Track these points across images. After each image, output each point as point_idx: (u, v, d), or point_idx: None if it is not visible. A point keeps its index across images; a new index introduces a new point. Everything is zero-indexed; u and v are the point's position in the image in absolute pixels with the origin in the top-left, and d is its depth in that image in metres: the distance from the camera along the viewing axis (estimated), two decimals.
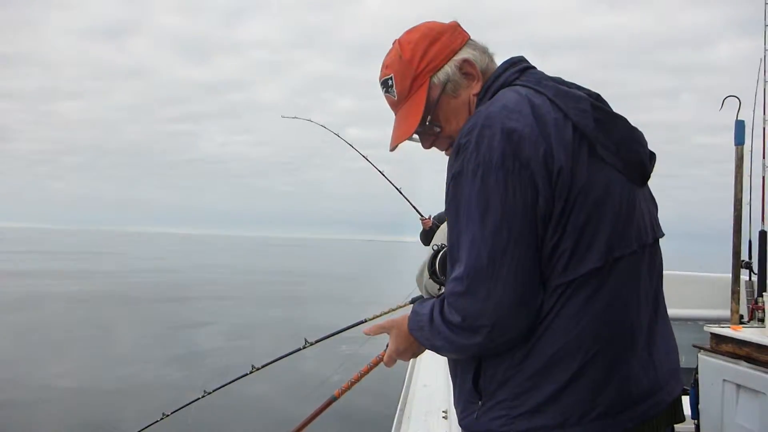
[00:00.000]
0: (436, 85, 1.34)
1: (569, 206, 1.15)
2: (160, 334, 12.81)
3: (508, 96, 1.23)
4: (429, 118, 1.35)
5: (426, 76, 1.34)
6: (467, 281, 1.15)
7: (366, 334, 1.47)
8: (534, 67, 1.34)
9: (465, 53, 1.34)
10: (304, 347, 2.98)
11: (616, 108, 1.31)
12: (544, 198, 1.14)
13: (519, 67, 1.32)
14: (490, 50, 1.40)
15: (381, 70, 1.41)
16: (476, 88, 1.34)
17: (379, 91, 1.43)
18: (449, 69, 1.33)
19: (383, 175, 3.33)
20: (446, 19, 1.41)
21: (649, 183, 1.35)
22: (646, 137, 1.33)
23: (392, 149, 1.41)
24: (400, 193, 3.35)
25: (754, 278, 3.08)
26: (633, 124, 1.31)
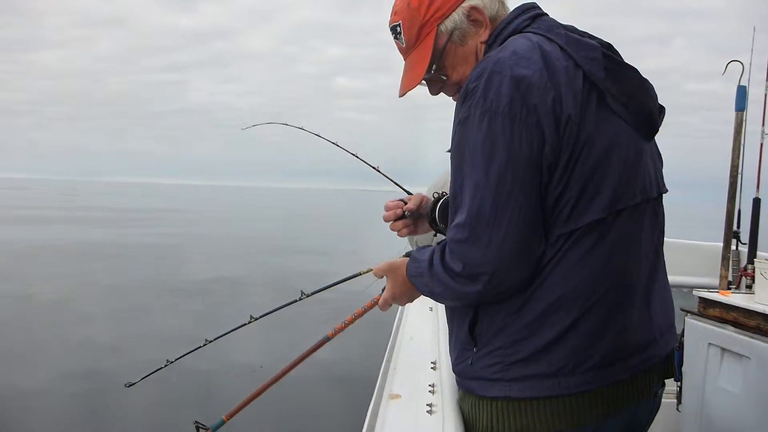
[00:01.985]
0: (443, 33, 1.31)
1: (575, 155, 1.13)
2: (152, 286, 12.84)
3: (518, 42, 1.20)
4: (435, 66, 1.33)
5: (433, 24, 1.31)
6: (469, 228, 1.13)
7: (377, 277, 1.47)
8: (546, 14, 1.31)
9: (473, 0, 1.31)
10: (300, 299, 3.01)
11: None
12: (550, 146, 1.12)
13: (531, 14, 1.29)
14: None
15: (390, 16, 1.38)
16: (484, 35, 1.31)
17: (369, 38, 1.41)
18: (456, 16, 1.31)
19: (357, 157, 3.28)
20: None
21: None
22: None
23: (401, 96, 1.41)
24: (378, 171, 3.28)
25: (743, 248, 3.10)
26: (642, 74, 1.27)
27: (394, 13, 1.36)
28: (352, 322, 2.01)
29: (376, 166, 3.67)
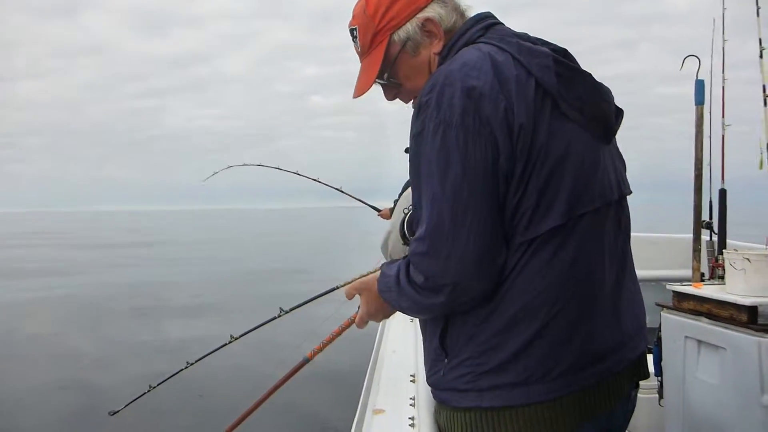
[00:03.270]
0: (395, 43, 1.33)
1: (531, 164, 1.14)
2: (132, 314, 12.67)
3: (469, 54, 1.21)
4: (387, 74, 1.35)
5: (386, 33, 1.32)
6: (428, 241, 1.14)
7: (346, 297, 1.46)
8: (500, 23, 1.32)
9: (429, 11, 1.32)
10: (280, 315, 3.01)
11: (580, 63, 1.28)
12: (504, 156, 1.13)
13: (484, 24, 1.30)
14: (463, 5, 1.37)
15: (351, 17, 1.39)
16: (437, 47, 1.32)
17: (342, 55, 1.40)
18: (410, 27, 1.32)
19: (319, 181, 3.28)
20: None
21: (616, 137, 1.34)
22: (610, 89, 1.31)
23: (355, 97, 1.41)
24: (342, 192, 3.26)
25: (715, 238, 3.15)
26: (597, 77, 1.29)
27: (353, 16, 1.38)
28: (330, 341, 2.01)
29: (338, 187, 3.67)
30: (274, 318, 3.01)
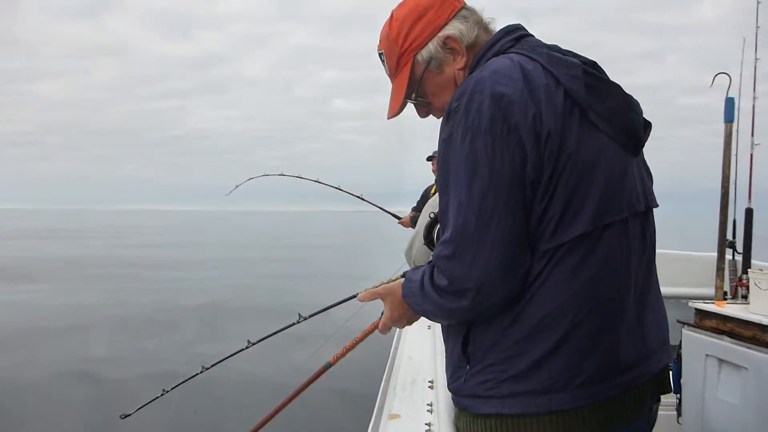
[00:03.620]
0: (419, 63, 1.36)
1: (558, 172, 1.14)
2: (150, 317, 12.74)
3: (499, 62, 1.22)
4: (415, 94, 1.39)
5: (410, 54, 1.36)
6: (454, 245, 1.15)
7: (361, 300, 1.48)
8: (530, 35, 1.34)
9: (450, 29, 1.34)
10: (298, 322, 3.02)
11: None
12: (532, 163, 1.13)
13: (515, 36, 1.32)
14: (486, 17, 1.39)
15: (378, 42, 1.44)
16: (461, 63, 1.35)
17: (364, 60, 1.44)
18: (432, 46, 1.35)
19: (340, 189, 3.30)
20: None
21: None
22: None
23: (389, 118, 1.45)
24: (362, 199, 3.28)
25: (738, 257, 3.11)
26: (625, 91, 1.29)
27: (380, 41, 1.42)
28: (353, 347, 2.02)
29: (359, 195, 3.67)
30: (293, 324, 3.02)
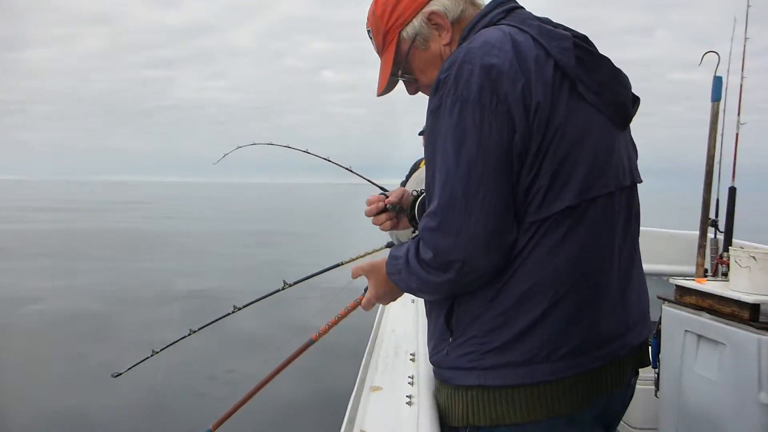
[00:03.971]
0: (405, 40, 1.37)
1: (546, 143, 1.14)
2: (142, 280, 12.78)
3: (490, 33, 1.21)
4: (402, 70, 1.39)
5: (395, 31, 1.36)
6: (440, 216, 1.14)
7: (352, 278, 1.49)
8: (522, 7, 1.33)
9: (434, 4, 1.34)
10: (283, 288, 3.04)
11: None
12: (520, 134, 1.13)
13: (505, 7, 1.31)
14: None
15: (366, 18, 1.45)
16: (446, 38, 1.35)
17: (354, 31, 1.42)
18: (417, 22, 1.35)
19: (329, 161, 3.29)
20: None
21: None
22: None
23: (378, 95, 1.46)
24: (351, 171, 3.27)
25: (720, 236, 3.14)
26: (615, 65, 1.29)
27: (367, 18, 1.43)
28: (336, 323, 2.01)
29: (348, 167, 3.66)
30: (278, 290, 3.04)
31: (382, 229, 1.59)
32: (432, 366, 1.35)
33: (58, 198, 62.47)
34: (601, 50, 1.28)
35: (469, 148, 1.12)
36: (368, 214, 1.53)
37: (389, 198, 1.52)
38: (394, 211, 1.52)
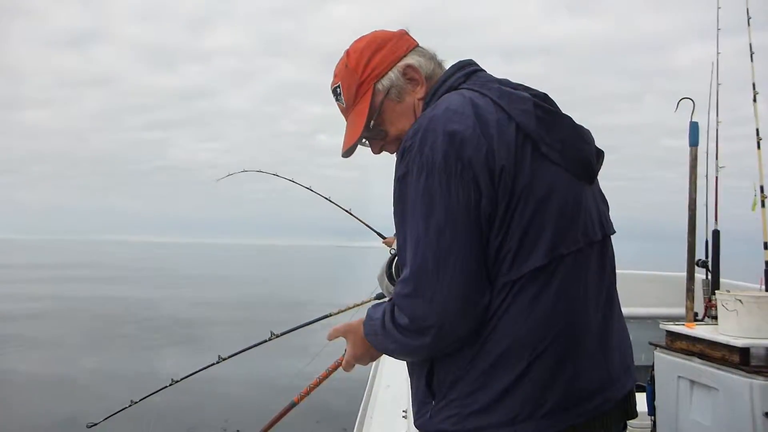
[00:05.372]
0: (380, 91, 1.37)
1: (512, 206, 1.16)
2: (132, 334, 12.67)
3: (451, 98, 1.25)
4: (374, 122, 1.38)
5: (370, 83, 1.37)
6: (412, 283, 1.16)
7: (328, 339, 1.46)
8: (482, 70, 1.37)
9: (410, 59, 1.37)
10: (270, 339, 3.01)
11: (583, 110, 1.32)
12: (487, 198, 1.15)
13: (466, 71, 1.34)
14: (439, 57, 1.42)
15: (332, 79, 1.43)
16: (420, 92, 1.36)
17: None
18: (393, 75, 1.36)
19: (330, 201, 3.33)
20: (410, 24, 1.44)
21: (619, 185, 1.37)
22: (615, 139, 1.36)
23: (343, 154, 1.44)
24: (350, 214, 3.30)
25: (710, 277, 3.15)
26: (600, 125, 1.32)
27: (334, 75, 1.42)
28: (317, 385, 2.00)
29: (348, 209, 3.69)
30: (265, 341, 3.01)
31: None
32: (416, 429, 1.34)
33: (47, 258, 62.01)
34: (595, 114, 1.35)
35: (438, 214, 1.14)
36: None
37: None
38: None
